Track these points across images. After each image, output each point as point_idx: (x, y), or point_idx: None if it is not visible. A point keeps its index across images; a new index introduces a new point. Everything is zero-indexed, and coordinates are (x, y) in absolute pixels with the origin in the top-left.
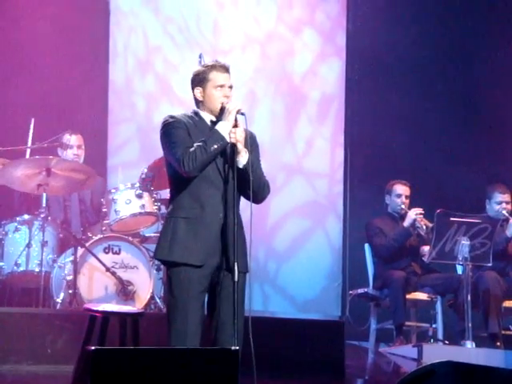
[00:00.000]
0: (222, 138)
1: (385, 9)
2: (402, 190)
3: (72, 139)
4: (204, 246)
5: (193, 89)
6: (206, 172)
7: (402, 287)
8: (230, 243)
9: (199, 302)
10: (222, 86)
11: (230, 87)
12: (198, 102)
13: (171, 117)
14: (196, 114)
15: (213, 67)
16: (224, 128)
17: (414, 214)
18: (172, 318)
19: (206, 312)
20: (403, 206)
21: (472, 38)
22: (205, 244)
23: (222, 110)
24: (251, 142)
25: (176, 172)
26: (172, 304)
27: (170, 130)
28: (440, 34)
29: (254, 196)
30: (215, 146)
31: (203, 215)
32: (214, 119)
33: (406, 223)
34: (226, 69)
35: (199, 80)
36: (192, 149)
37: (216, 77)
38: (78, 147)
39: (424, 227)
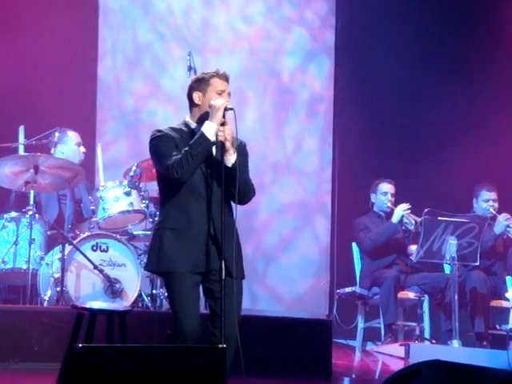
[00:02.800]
0: (206, 139)
1: (374, 7)
2: (387, 188)
3: (77, 136)
4: (191, 255)
5: (191, 93)
6: (193, 182)
7: (394, 286)
8: (220, 248)
9: (194, 299)
10: (222, 92)
11: (229, 94)
12: (193, 107)
13: (158, 131)
14: (186, 125)
15: (214, 74)
16: (210, 128)
17: (401, 210)
18: (176, 312)
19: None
20: (389, 204)
21: (465, 33)
22: (192, 253)
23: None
24: (240, 150)
25: (165, 183)
26: (173, 303)
27: (158, 143)
28: (431, 30)
29: (240, 197)
30: (199, 149)
31: (190, 226)
32: None
33: (394, 219)
34: (226, 78)
35: (199, 84)
36: (179, 156)
37: (217, 83)
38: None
39: (413, 222)
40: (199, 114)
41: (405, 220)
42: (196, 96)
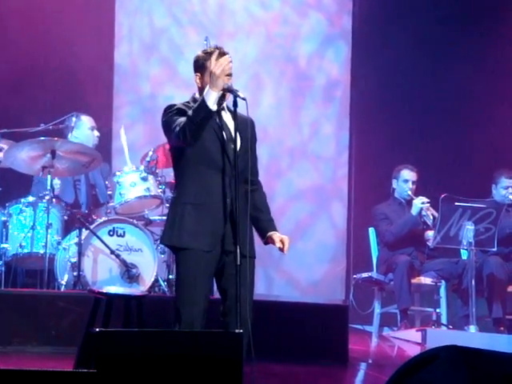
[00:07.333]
0: (206, 108)
1: None
2: (409, 175)
3: (90, 120)
4: (212, 231)
5: (194, 73)
6: (210, 154)
7: (407, 271)
8: (236, 228)
9: (206, 283)
10: None
11: (230, 75)
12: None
13: (171, 105)
14: (194, 100)
15: (208, 56)
16: (210, 97)
17: (420, 202)
18: (179, 297)
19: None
20: (410, 193)
21: (482, 23)
22: (212, 229)
23: (224, 96)
24: (251, 131)
25: (181, 156)
26: (179, 284)
27: (172, 117)
28: (449, 17)
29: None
30: (201, 117)
31: (210, 201)
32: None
33: (414, 211)
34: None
35: (198, 66)
36: (182, 123)
37: None
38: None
39: (431, 217)
40: None
41: (423, 213)
42: (196, 78)
